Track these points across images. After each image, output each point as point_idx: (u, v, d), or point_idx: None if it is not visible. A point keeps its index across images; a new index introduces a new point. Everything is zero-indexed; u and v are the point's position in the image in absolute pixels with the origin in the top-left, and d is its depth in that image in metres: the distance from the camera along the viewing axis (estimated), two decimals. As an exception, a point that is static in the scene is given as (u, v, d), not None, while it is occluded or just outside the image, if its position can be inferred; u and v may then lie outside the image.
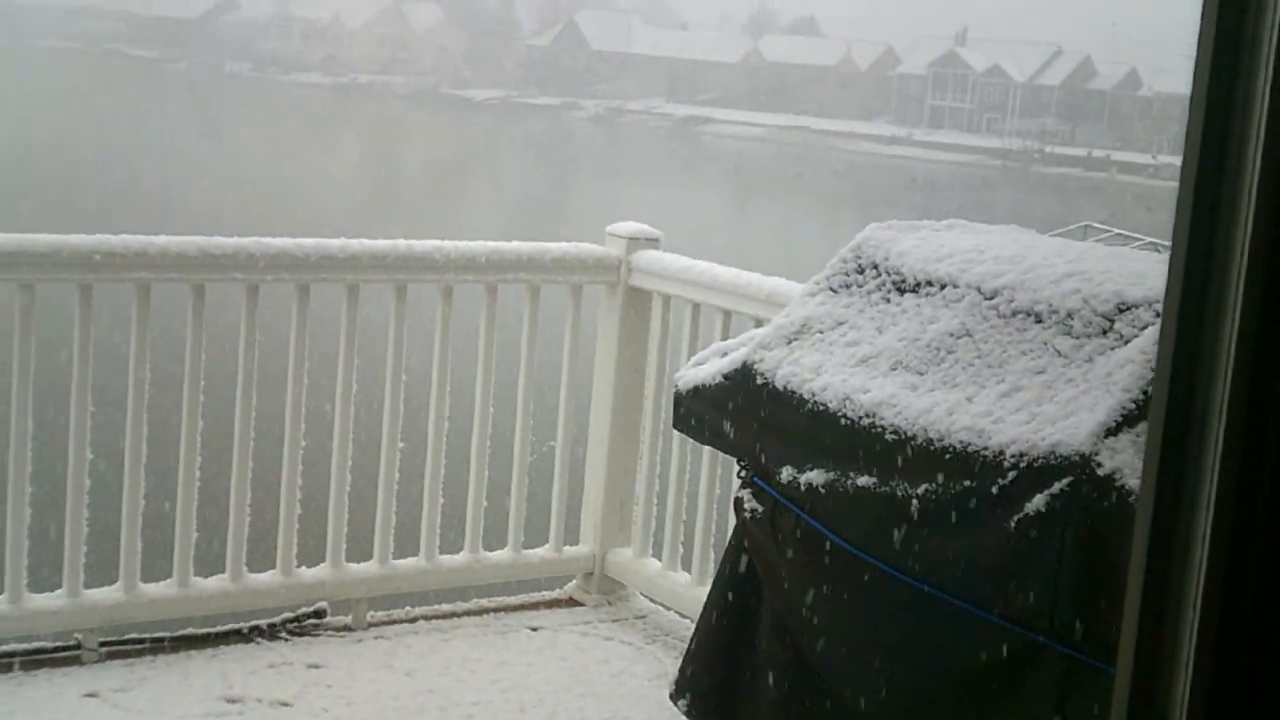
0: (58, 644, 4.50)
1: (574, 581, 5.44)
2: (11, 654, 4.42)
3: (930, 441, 2.94)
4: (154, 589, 4.60)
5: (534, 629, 5.06)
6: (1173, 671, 0.98)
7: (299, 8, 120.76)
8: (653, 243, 5.27)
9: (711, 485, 4.88)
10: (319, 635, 4.84)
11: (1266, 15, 0.95)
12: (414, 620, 5.03)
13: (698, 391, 3.53)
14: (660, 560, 5.22)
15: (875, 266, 3.36)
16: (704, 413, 3.54)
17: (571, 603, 5.36)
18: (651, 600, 5.32)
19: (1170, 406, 0.98)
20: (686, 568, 5.11)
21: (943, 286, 3.21)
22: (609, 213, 5.83)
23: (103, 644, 4.52)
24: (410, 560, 5.08)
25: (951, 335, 3.09)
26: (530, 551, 5.32)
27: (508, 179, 55.16)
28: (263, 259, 4.58)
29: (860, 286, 3.36)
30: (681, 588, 5.06)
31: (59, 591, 4.46)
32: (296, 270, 4.65)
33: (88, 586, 4.50)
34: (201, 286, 4.54)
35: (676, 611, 5.14)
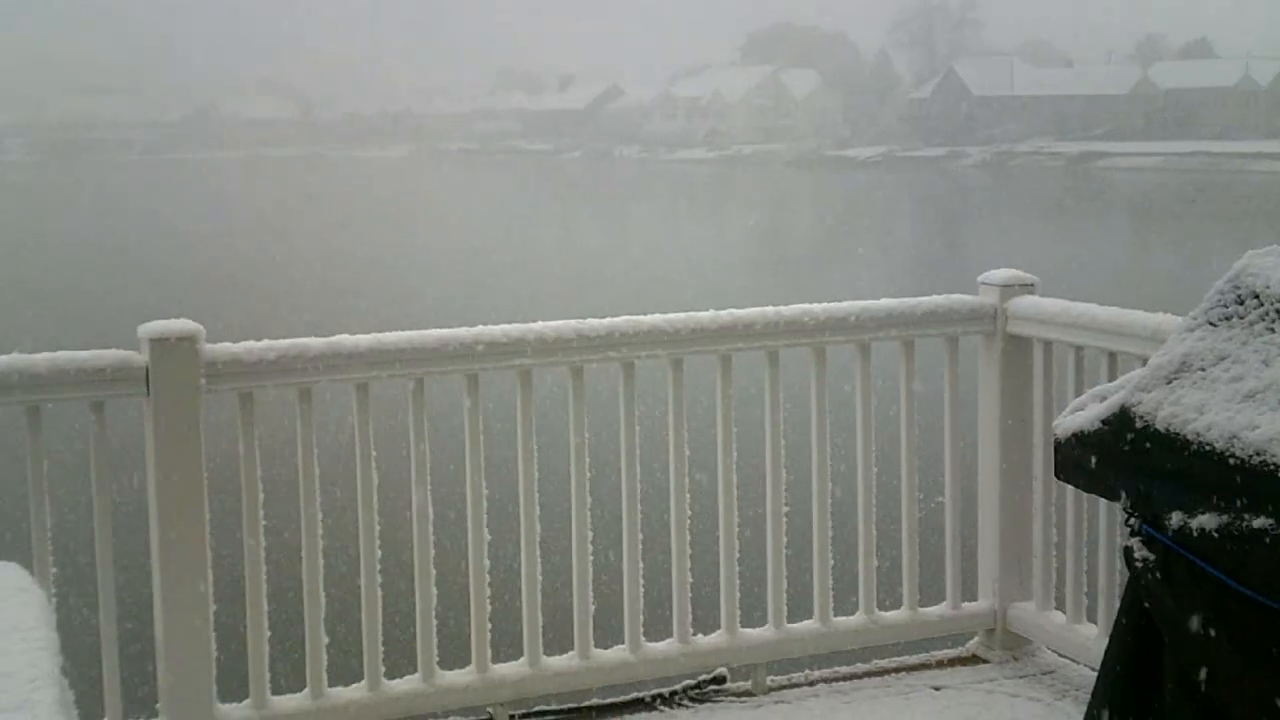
0: (473, 718, 4.71)
1: (976, 638, 5.32)
2: None
3: None
4: (557, 662, 4.76)
5: (937, 688, 4.97)
6: None
7: (680, 88, 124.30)
8: (1028, 288, 5.15)
9: (1111, 532, 4.70)
10: (720, 701, 4.89)
11: None
12: (813, 684, 5.02)
13: (1077, 439, 3.41)
14: (1064, 613, 5.05)
15: (1256, 296, 3.18)
16: (1085, 460, 3.42)
17: (975, 660, 5.24)
18: (1059, 655, 5.15)
19: None
20: (1092, 619, 4.93)
21: (1333, 310, 3.01)
22: (1001, 259, 5.72)
23: (512, 717, 4.71)
24: (805, 623, 5.09)
25: (1346, 362, 2.89)
26: (927, 609, 5.24)
27: (895, 235, 54.93)
28: (636, 336, 4.71)
29: (1241, 318, 3.19)
30: (1089, 640, 4.88)
31: (468, 668, 4.67)
32: (669, 345, 4.76)
33: (494, 662, 4.69)
34: (580, 369, 4.70)
35: (1086, 665, 4.95)
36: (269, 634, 4.42)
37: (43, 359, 4.12)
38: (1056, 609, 5.12)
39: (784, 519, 4.96)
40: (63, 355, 4.15)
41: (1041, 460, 5.03)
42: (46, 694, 2.25)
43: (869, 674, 5.10)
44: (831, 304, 5.00)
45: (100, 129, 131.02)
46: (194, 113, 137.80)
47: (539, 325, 4.62)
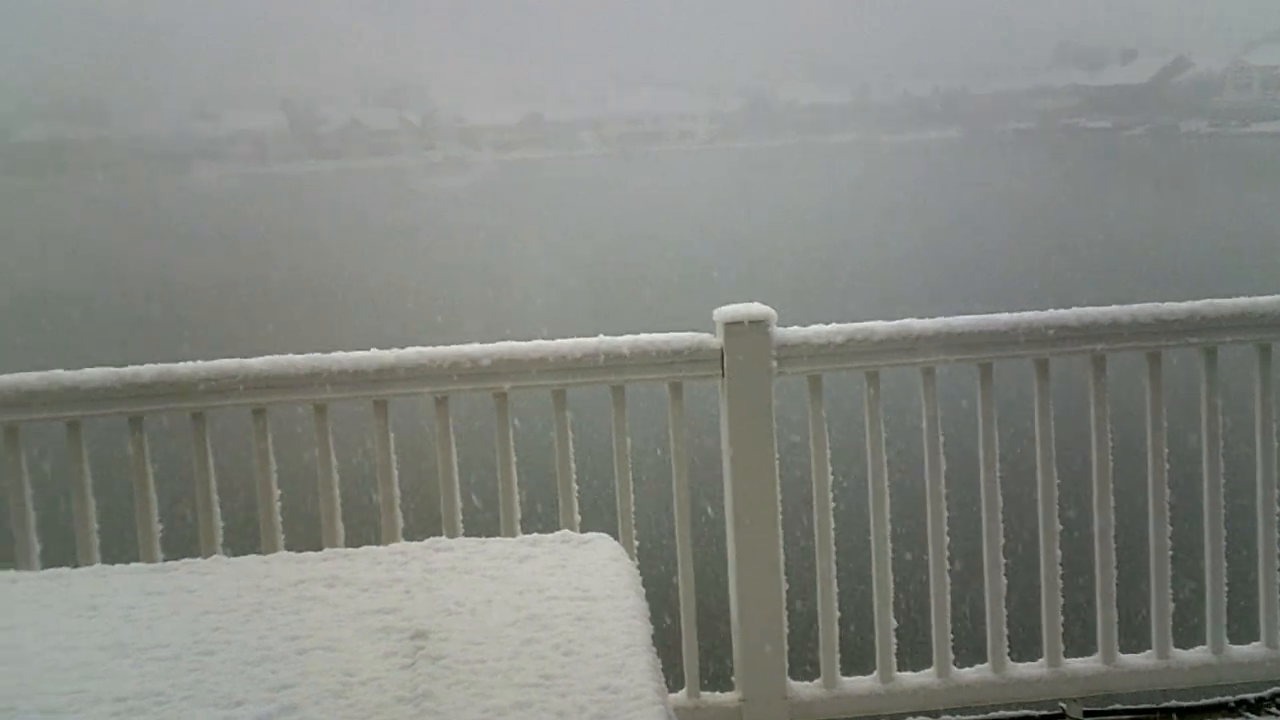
0: (1043, 712, 4.59)
1: None
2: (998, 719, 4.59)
3: None
4: (1133, 660, 4.57)
5: None
6: None
7: (1256, 56, 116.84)
8: None
9: None
10: None
11: None
12: None
13: None
14: None
15: None
16: None
17: None
18: None
19: None
20: None
21: None
22: None
23: (1086, 713, 4.56)
24: None
25: None
26: None
27: None
28: (1219, 320, 4.44)
29: None
30: None
31: (1039, 661, 4.56)
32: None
33: (1067, 656, 4.56)
34: (1158, 355, 4.49)
35: None
36: (838, 615, 4.46)
37: (625, 342, 4.32)
38: None
39: None
40: (644, 338, 4.34)
41: None
42: (641, 660, 2.34)
43: None
44: None
45: (664, 121, 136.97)
46: (750, 102, 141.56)
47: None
